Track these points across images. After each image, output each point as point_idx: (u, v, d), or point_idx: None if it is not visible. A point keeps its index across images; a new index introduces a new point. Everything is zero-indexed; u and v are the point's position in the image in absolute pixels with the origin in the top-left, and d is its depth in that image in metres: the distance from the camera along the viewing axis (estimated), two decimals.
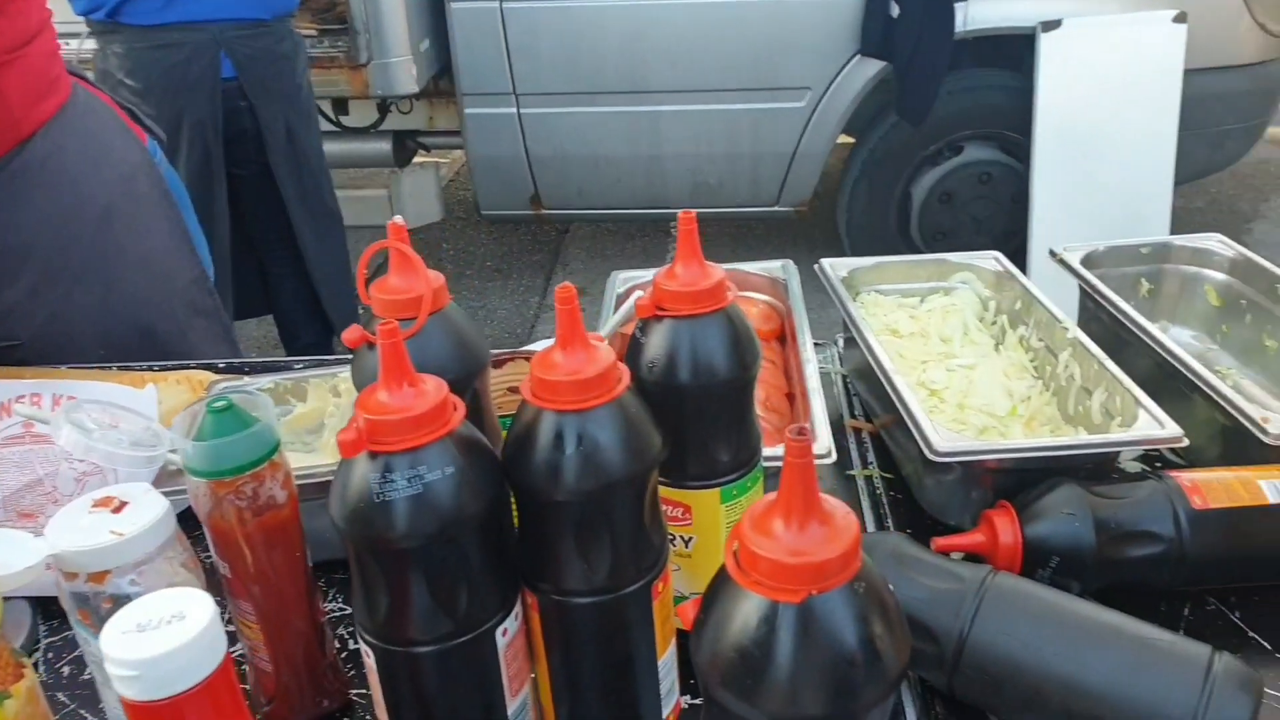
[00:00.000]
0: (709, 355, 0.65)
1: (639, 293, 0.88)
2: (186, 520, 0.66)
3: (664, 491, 0.68)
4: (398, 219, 0.67)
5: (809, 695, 0.42)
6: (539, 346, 0.70)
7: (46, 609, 0.83)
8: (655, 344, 0.65)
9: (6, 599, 0.81)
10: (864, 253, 1.23)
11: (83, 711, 0.75)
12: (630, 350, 0.67)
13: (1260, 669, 0.70)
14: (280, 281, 2.58)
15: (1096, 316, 1.08)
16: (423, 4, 3.08)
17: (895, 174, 3.18)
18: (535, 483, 0.56)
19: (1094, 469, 0.84)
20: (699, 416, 0.66)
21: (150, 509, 0.62)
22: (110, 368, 1.11)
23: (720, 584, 0.45)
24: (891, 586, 0.68)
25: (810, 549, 0.41)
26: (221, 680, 0.47)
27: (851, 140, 3.32)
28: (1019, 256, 2.90)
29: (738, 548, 0.44)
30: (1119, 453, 0.88)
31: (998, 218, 3.16)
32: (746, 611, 0.42)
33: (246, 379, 1.02)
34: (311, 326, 2.62)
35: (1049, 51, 2.80)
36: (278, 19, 2.26)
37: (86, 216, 1.16)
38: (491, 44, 3.06)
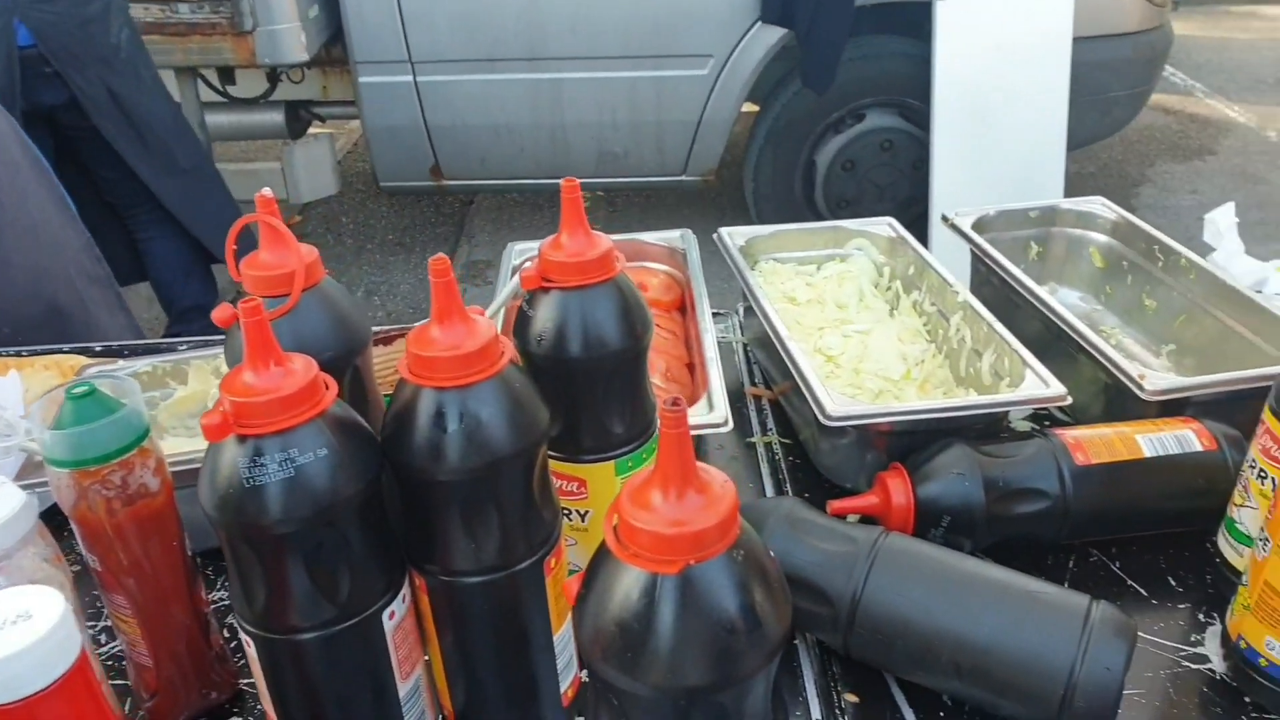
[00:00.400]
0: (598, 326, 0.63)
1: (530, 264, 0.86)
2: (56, 513, 0.63)
3: (557, 466, 0.67)
4: (265, 191, 0.64)
5: (690, 665, 0.41)
6: None
7: None
8: (543, 316, 0.64)
9: None
10: (770, 221, 1.24)
11: None
12: (518, 323, 0.66)
13: (1138, 615, 0.74)
14: (148, 245, 2.52)
15: (988, 280, 1.10)
16: None
17: (799, 142, 3.20)
18: (416, 462, 0.54)
19: (984, 429, 0.85)
20: (590, 389, 0.65)
21: (6, 502, 0.59)
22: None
23: (600, 558, 0.44)
24: (783, 552, 0.69)
25: (687, 519, 0.41)
26: (77, 680, 0.45)
27: (756, 108, 3.33)
28: (922, 223, 2.96)
29: (617, 521, 0.43)
30: (1008, 412, 0.90)
31: (900, 184, 3.21)
32: (626, 584, 0.42)
33: (122, 362, 0.98)
34: (189, 288, 2.56)
35: (945, 19, 2.84)
36: None
37: None
38: (385, 10, 2.96)
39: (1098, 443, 0.80)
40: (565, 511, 0.68)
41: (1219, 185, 3.94)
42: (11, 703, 0.43)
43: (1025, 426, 0.97)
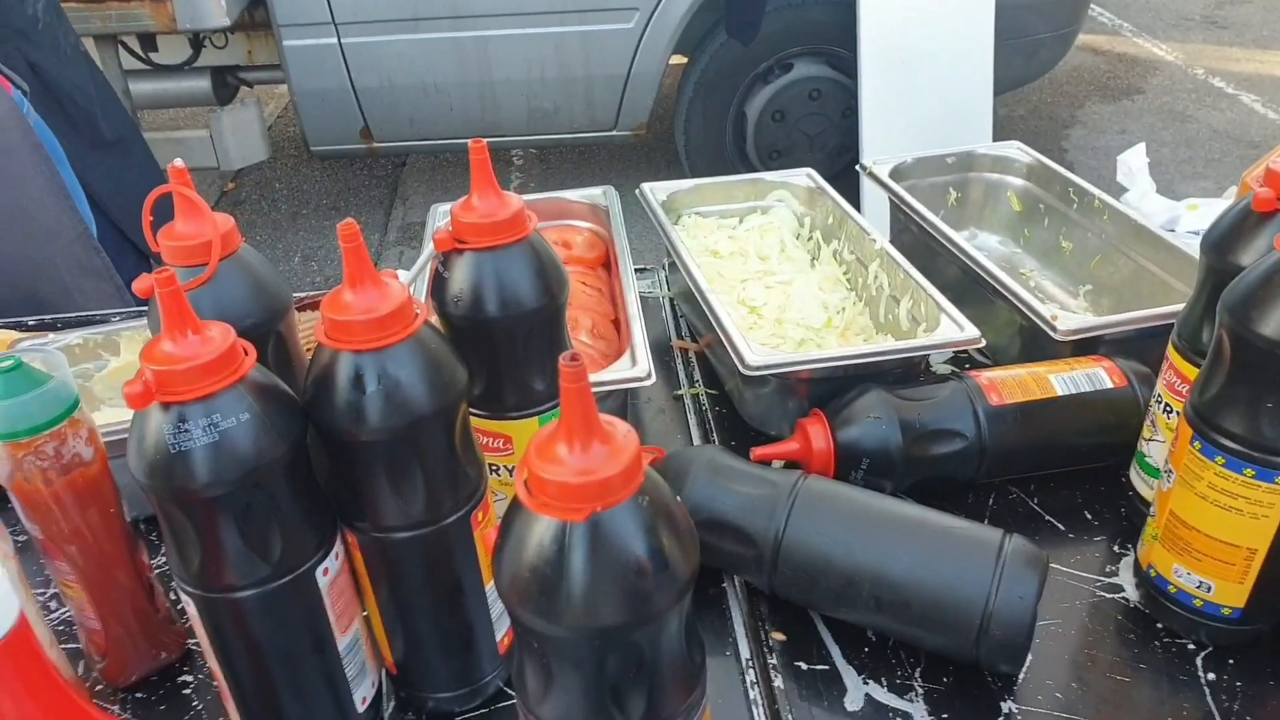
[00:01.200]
0: (513, 286, 0.64)
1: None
2: None
3: (483, 424, 0.68)
4: (177, 161, 0.64)
5: (602, 606, 0.43)
6: None
7: None
8: (458, 278, 0.64)
9: None
10: (703, 173, 1.24)
11: None
12: (435, 285, 0.66)
13: (1053, 549, 0.77)
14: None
15: (907, 228, 1.12)
16: None
17: (728, 94, 3.20)
18: (338, 424, 0.55)
19: (903, 374, 0.88)
20: (509, 347, 0.66)
21: None
22: None
23: (513, 510, 0.45)
24: (707, 497, 0.71)
25: (592, 468, 0.42)
26: (17, 641, 0.45)
27: (685, 60, 3.31)
28: (853, 171, 2.98)
29: (527, 475, 0.44)
30: (926, 357, 0.92)
31: (830, 134, 3.23)
32: (538, 533, 0.43)
33: (53, 336, 0.97)
34: (124, 263, 2.48)
35: None
36: None
37: None
38: None
39: (1011, 383, 0.83)
40: (493, 468, 0.69)
41: (1147, 124, 4.02)
42: None
43: (946, 370, 0.99)
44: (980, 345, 0.86)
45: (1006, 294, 0.92)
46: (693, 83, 3.21)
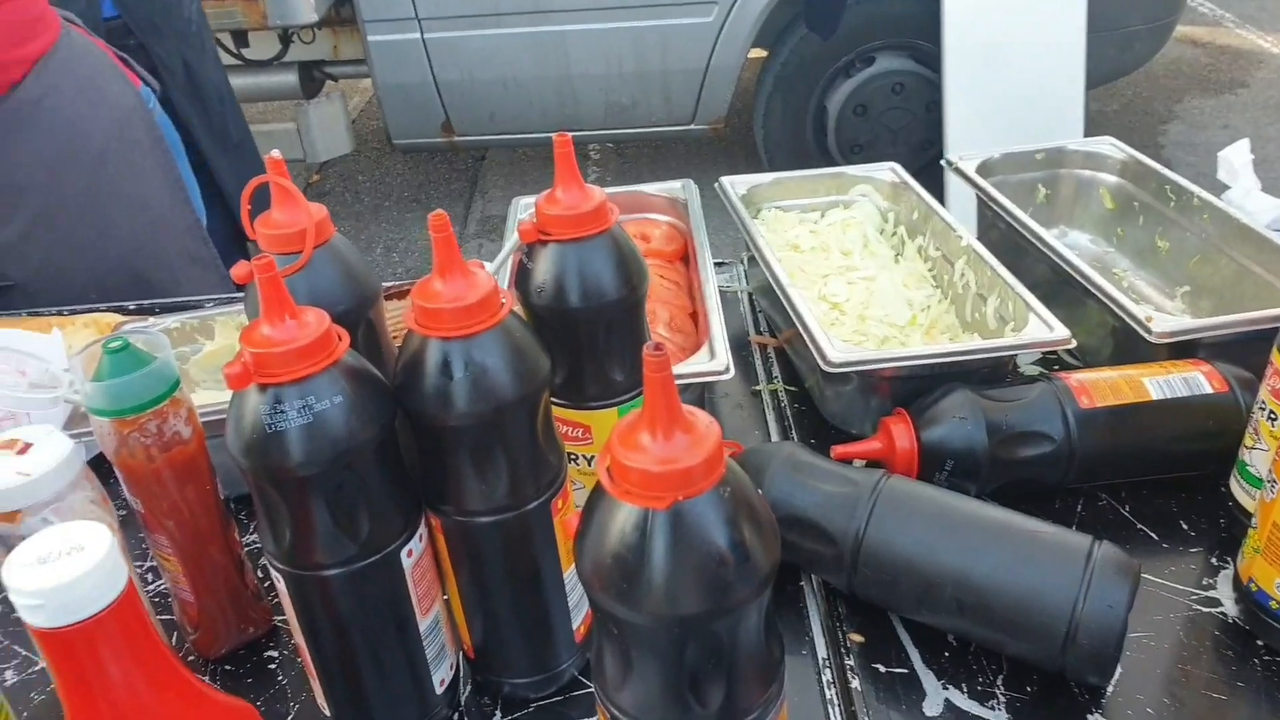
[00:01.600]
0: (595, 277, 0.64)
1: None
2: (103, 461, 0.67)
3: (563, 413, 0.69)
4: (275, 153, 0.66)
5: (682, 595, 0.43)
6: None
7: None
8: (541, 269, 0.65)
9: None
10: (782, 168, 1.23)
11: (15, 647, 0.77)
12: (519, 275, 0.67)
13: (1148, 559, 0.74)
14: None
15: (994, 224, 1.09)
16: None
17: (809, 87, 3.16)
18: (426, 408, 0.56)
19: (989, 374, 0.86)
20: (591, 338, 0.66)
21: (55, 449, 0.63)
22: (19, 314, 1.10)
23: (596, 496, 0.46)
24: (786, 494, 0.70)
25: (675, 457, 0.42)
26: (126, 606, 0.48)
27: (764, 54, 3.29)
28: (937, 166, 2.92)
29: (609, 462, 0.44)
30: (1014, 357, 0.90)
31: (914, 128, 3.17)
32: (620, 520, 0.44)
33: (153, 320, 1.01)
34: (232, 258, 2.57)
35: None
36: None
37: (81, 159, 1.16)
38: None
39: (1103, 386, 0.80)
40: (572, 456, 0.70)
41: (1252, 119, 3.85)
42: (69, 625, 0.46)
43: (1034, 371, 0.97)
44: (1071, 346, 0.83)
45: (1098, 294, 0.89)
46: (772, 76, 3.18)
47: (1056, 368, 0.97)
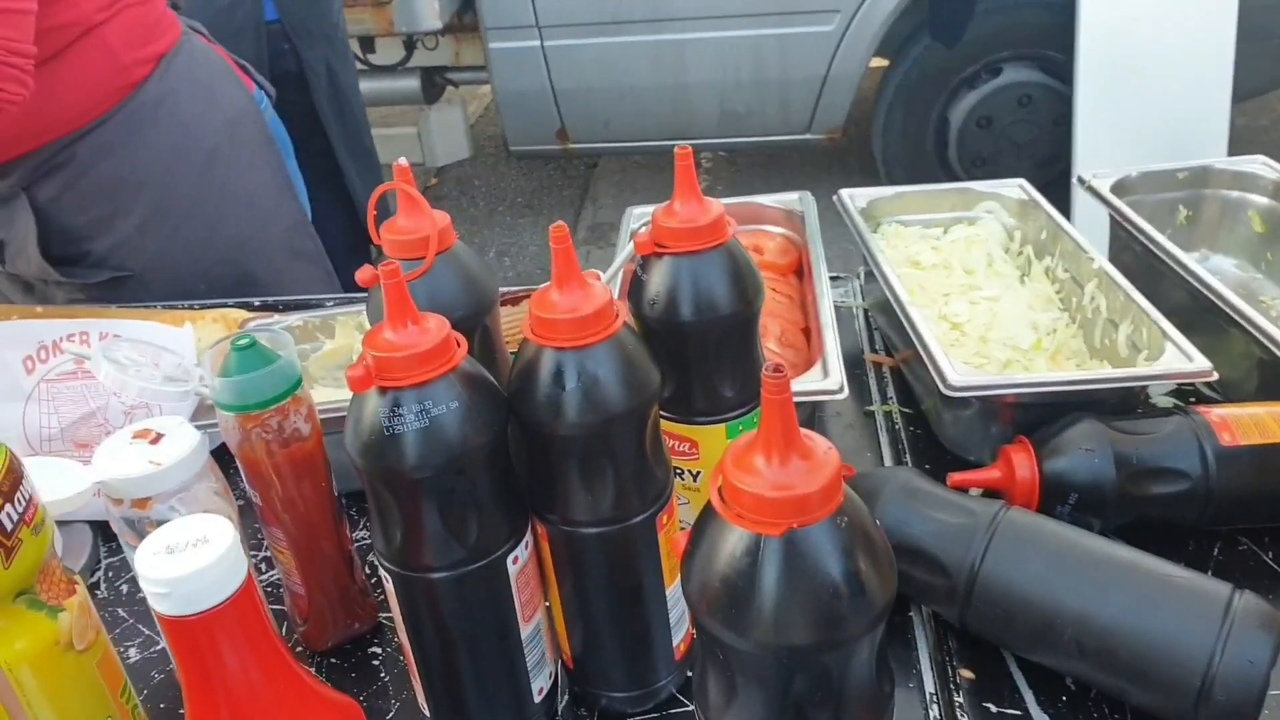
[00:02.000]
0: (709, 291, 0.63)
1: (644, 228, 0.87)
2: (224, 454, 0.70)
3: (671, 426, 0.68)
4: (401, 160, 0.68)
5: (792, 625, 0.42)
6: None
7: (106, 532, 0.88)
8: (655, 281, 0.64)
9: (67, 523, 0.86)
10: (901, 180, 1.20)
11: (140, 625, 0.80)
12: (632, 287, 0.66)
13: None
14: (325, 221, 2.62)
15: (1129, 246, 1.04)
16: None
17: (931, 98, 3.09)
18: (538, 417, 0.57)
19: (1118, 404, 0.81)
20: (702, 352, 0.66)
21: (184, 440, 0.66)
22: (154, 307, 1.16)
23: (706, 517, 0.45)
24: (899, 521, 0.68)
25: (791, 483, 0.42)
26: (245, 599, 0.50)
27: (886, 63, 3.22)
28: (1064, 182, 2.81)
29: (721, 483, 0.44)
30: (1145, 387, 0.85)
31: (1040, 142, 3.06)
32: (731, 544, 0.43)
33: (277, 317, 1.05)
34: (355, 259, 2.66)
35: None
36: None
37: (194, 157, 1.23)
38: None
39: (1247, 422, 0.75)
40: (678, 471, 0.69)
41: None
42: (192, 614, 0.48)
43: (1167, 403, 0.91)
44: (1211, 379, 0.78)
45: (1243, 323, 0.84)
46: (893, 86, 3.12)
47: (1193, 401, 0.92)
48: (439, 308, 0.59)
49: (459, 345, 0.57)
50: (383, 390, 0.54)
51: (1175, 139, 2.74)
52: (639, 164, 4.11)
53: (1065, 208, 2.54)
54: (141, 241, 1.21)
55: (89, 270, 1.21)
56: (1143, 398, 0.89)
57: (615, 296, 0.85)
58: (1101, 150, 2.76)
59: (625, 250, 0.88)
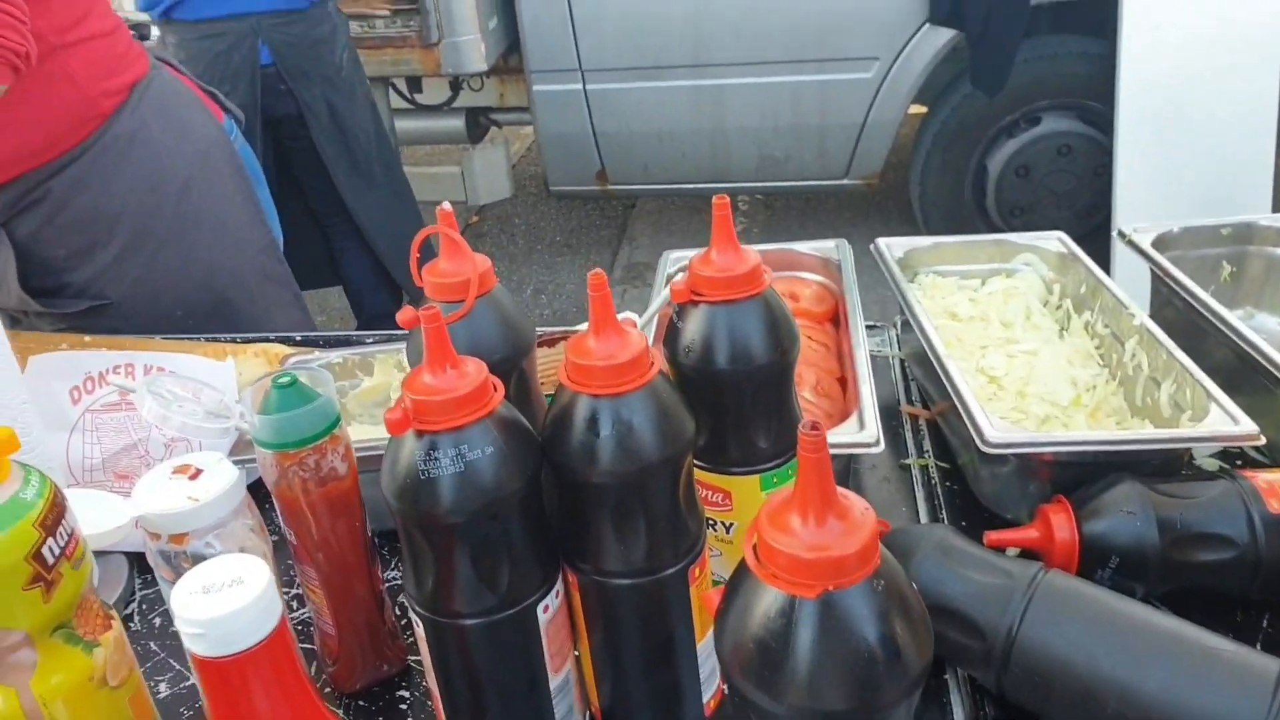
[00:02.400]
0: (745, 341, 0.63)
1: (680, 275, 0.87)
2: (259, 489, 0.70)
3: (704, 476, 0.68)
4: (445, 205, 0.68)
5: (827, 690, 0.41)
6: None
7: (141, 564, 0.89)
8: (691, 329, 0.64)
9: (104, 554, 0.86)
10: (938, 228, 1.20)
11: (171, 660, 0.80)
12: (668, 334, 0.67)
13: None
14: (343, 253, 2.68)
15: (1170, 302, 1.02)
16: None
17: (969, 146, 3.08)
18: (571, 463, 0.57)
19: (1160, 465, 0.79)
20: (737, 402, 0.65)
21: (223, 477, 0.66)
22: (198, 339, 1.17)
23: (741, 575, 0.45)
24: (935, 580, 0.67)
25: (827, 544, 0.41)
26: (278, 642, 0.50)
27: (924, 110, 3.23)
28: (1103, 233, 2.78)
29: (756, 541, 0.43)
30: (1189, 449, 0.83)
31: (1079, 192, 3.04)
32: (765, 604, 0.42)
33: (317, 353, 1.06)
34: (377, 295, 2.73)
35: (1133, 10, 2.66)
36: (314, 5, 2.37)
37: (169, 188, 1.26)
38: (558, 20, 3.06)
39: None
40: (710, 523, 0.69)
41: None
42: (226, 656, 0.49)
43: (1212, 466, 0.89)
44: (1259, 443, 0.77)
45: None
46: (932, 134, 3.12)
47: (1239, 464, 0.89)
48: (478, 351, 0.59)
49: (496, 390, 0.57)
50: (420, 433, 0.54)
51: (1217, 190, 2.71)
52: (676, 205, 4.14)
53: (1105, 258, 2.51)
54: (119, 271, 1.24)
55: (68, 300, 1.24)
56: (1187, 459, 0.87)
57: (650, 343, 0.86)
58: (1142, 201, 2.73)
59: (661, 296, 0.88)
